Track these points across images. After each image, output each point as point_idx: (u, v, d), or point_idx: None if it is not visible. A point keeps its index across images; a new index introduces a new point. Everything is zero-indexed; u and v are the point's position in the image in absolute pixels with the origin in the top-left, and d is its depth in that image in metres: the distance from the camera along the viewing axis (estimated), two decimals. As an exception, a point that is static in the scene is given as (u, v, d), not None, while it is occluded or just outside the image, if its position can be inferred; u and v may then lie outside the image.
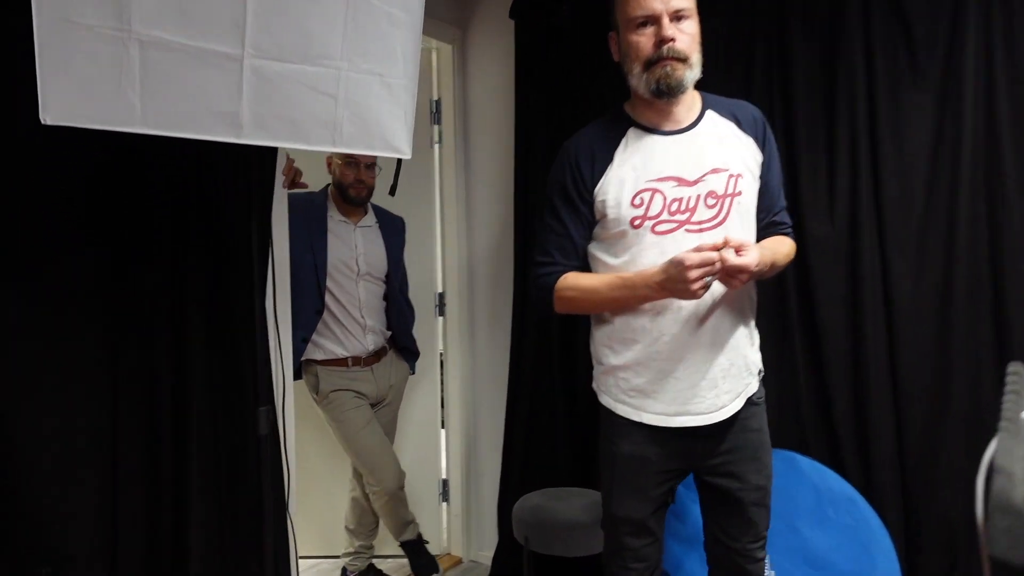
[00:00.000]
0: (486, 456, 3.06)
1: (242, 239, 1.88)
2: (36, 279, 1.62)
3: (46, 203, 1.62)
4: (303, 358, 2.59)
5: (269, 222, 1.85)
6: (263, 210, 1.75)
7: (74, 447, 1.69)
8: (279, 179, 2.02)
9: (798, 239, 1.94)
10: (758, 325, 1.70)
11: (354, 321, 2.63)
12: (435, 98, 3.04)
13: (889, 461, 2.11)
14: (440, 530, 3.19)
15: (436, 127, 3.06)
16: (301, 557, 2.21)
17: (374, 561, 2.90)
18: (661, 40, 1.48)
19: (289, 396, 2.03)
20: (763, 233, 1.67)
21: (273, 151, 1.94)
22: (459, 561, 3.14)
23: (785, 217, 1.75)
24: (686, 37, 1.50)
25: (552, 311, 1.64)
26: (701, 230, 1.53)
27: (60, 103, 1.27)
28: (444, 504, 3.19)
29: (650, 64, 1.50)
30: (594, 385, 1.70)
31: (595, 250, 1.62)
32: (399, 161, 1.62)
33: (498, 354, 2.96)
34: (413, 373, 2.90)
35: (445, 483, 3.17)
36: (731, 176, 1.56)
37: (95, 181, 1.69)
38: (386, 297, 2.75)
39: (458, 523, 3.15)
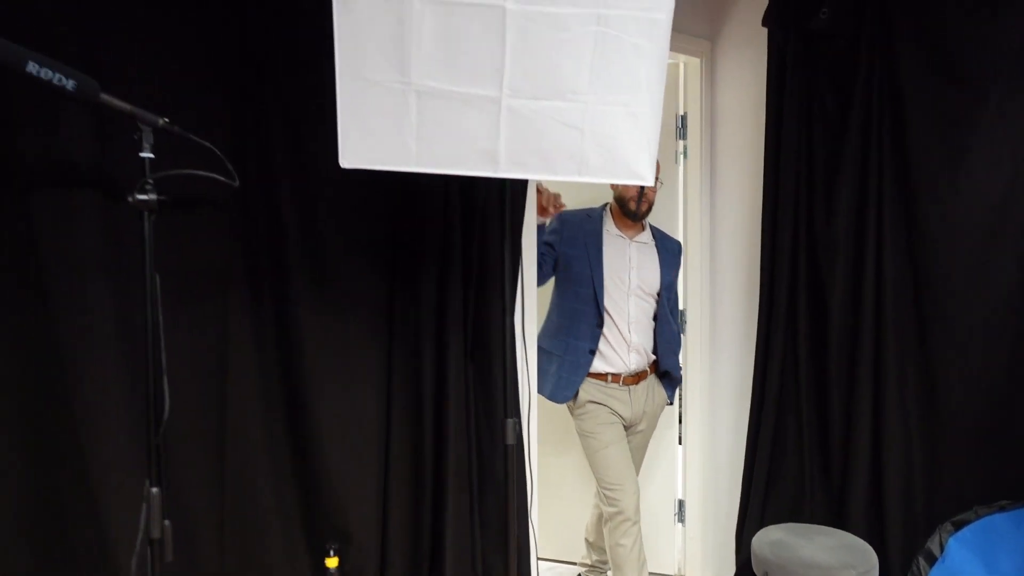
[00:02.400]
0: (726, 479, 2.96)
1: (496, 264, 2.04)
2: (333, 297, 1.90)
3: (342, 233, 1.90)
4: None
5: (520, 248, 1.98)
6: (515, 238, 1.87)
7: (358, 442, 1.95)
8: (530, 209, 2.15)
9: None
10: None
11: (620, 337, 2.60)
12: (681, 112, 3.01)
13: None
14: (674, 551, 3.14)
15: (682, 142, 3.03)
16: (541, 559, 2.32)
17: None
18: None
19: (534, 410, 2.15)
20: None
21: (524, 183, 2.08)
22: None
23: None
24: None
25: None
26: None
27: (354, 150, 1.48)
28: (679, 525, 3.13)
29: None
30: None
31: None
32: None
33: (740, 373, 2.86)
34: (671, 403, 2.79)
35: (681, 503, 3.12)
36: None
37: (379, 215, 1.94)
38: (655, 317, 2.68)
39: (695, 547, 3.08)
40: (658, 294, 2.65)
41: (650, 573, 3.07)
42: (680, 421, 3.12)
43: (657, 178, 2.46)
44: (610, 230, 2.62)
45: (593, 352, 2.54)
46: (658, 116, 1.50)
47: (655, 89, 1.47)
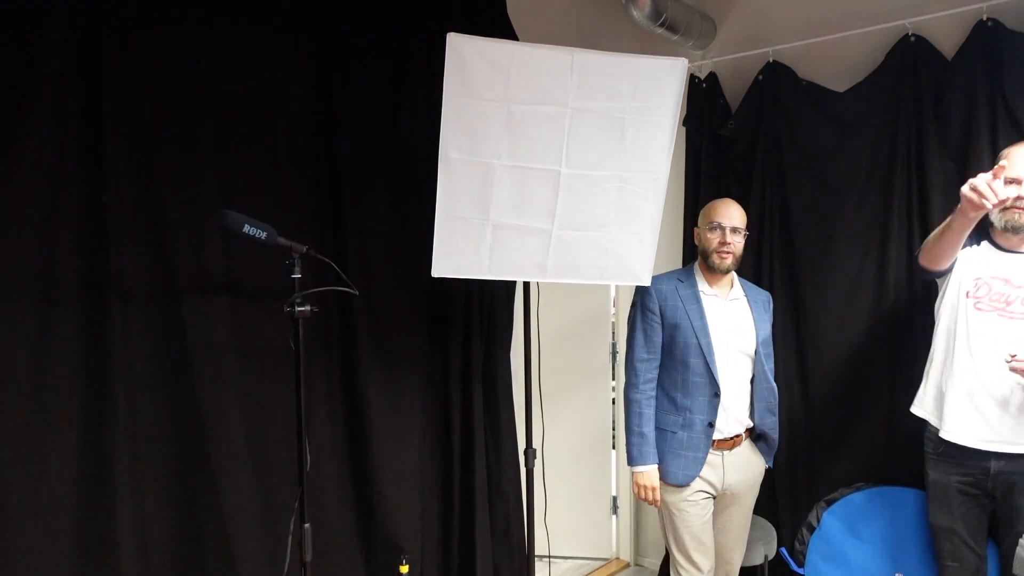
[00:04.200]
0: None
1: (503, 328, 2.65)
2: (391, 357, 2.42)
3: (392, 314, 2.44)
4: None
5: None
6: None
7: (403, 464, 2.47)
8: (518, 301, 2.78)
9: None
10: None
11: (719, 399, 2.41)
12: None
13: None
14: (610, 539, 3.86)
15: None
16: (552, 557, 2.90)
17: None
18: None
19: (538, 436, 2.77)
20: None
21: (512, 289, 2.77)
22: (627, 565, 3.80)
23: None
24: None
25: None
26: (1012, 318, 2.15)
27: (443, 265, 2.02)
28: (614, 516, 3.85)
29: (1005, 209, 2.15)
30: None
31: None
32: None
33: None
34: (771, 467, 2.59)
35: (615, 498, 3.84)
36: None
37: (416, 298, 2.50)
38: (751, 379, 2.48)
39: (626, 534, 3.81)
40: (755, 353, 2.46)
41: (589, 558, 3.78)
42: (614, 427, 3.82)
43: (741, 229, 2.41)
44: (705, 291, 2.42)
45: (712, 425, 2.36)
46: (655, 239, 2.16)
47: (655, 222, 2.13)
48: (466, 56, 1.86)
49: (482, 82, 1.89)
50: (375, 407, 2.38)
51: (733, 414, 2.41)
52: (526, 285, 2.40)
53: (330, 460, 2.32)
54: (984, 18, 2.60)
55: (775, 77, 3.07)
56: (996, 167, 1.90)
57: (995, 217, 2.21)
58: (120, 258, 1.81)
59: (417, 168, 2.44)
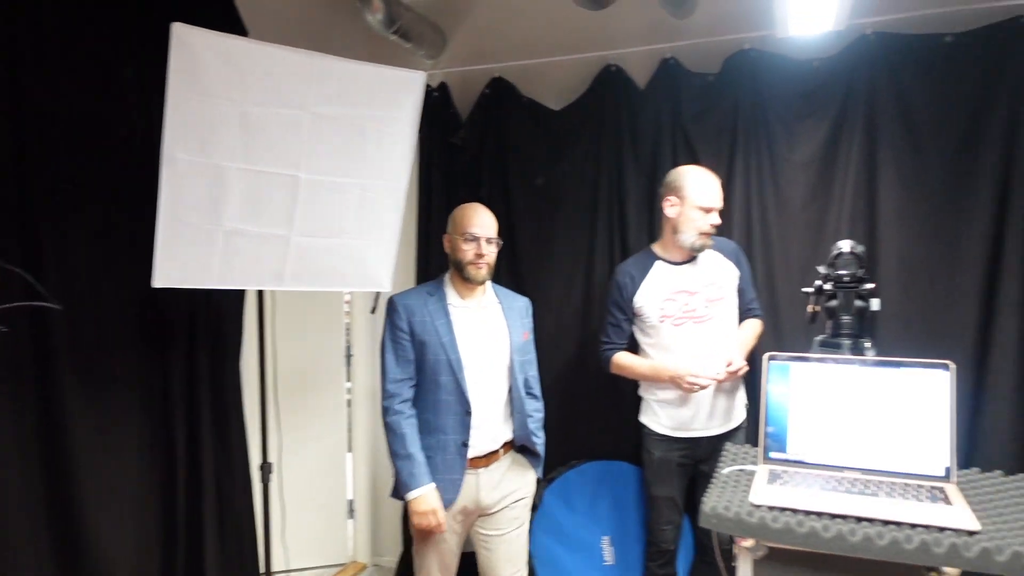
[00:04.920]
0: (388, 477, 3.75)
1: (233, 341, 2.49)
2: (101, 375, 2.13)
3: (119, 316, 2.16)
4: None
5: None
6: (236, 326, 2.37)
7: (116, 489, 2.21)
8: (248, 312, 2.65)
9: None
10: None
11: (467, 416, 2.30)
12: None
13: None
14: (347, 542, 3.83)
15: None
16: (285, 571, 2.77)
17: None
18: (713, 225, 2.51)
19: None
20: (744, 314, 2.68)
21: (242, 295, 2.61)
22: (364, 567, 3.80)
23: (755, 304, 2.73)
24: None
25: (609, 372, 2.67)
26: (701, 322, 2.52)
27: (166, 275, 1.85)
28: (350, 520, 3.83)
29: (701, 234, 2.51)
30: None
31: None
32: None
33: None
34: (541, 478, 2.52)
35: (351, 502, 3.81)
36: (718, 286, 2.54)
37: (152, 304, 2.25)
38: (509, 390, 2.40)
39: (363, 536, 3.80)
40: (509, 362, 2.37)
41: (327, 565, 3.71)
42: (349, 429, 3.79)
43: (495, 240, 2.34)
44: (455, 303, 2.32)
45: (466, 444, 2.26)
46: (395, 246, 2.20)
47: (396, 230, 2.17)
48: (196, 49, 1.71)
49: (214, 79, 1.75)
50: (80, 429, 2.09)
51: (487, 430, 2.30)
52: (260, 292, 2.29)
53: (19, 493, 1.99)
54: (667, 56, 3.06)
55: (500, 92, 3.29)
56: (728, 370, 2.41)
57: (688, 239, 2.53)
58: None
59: (137, 168, 2.18)
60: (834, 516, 1.57)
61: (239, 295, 2.62)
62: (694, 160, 3.06)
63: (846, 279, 1.87)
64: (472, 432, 2.26)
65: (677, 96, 3.06)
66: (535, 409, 2.46)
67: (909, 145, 2.72)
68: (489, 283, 2.43)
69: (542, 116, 3.28)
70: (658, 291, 2.60)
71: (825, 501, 1.62)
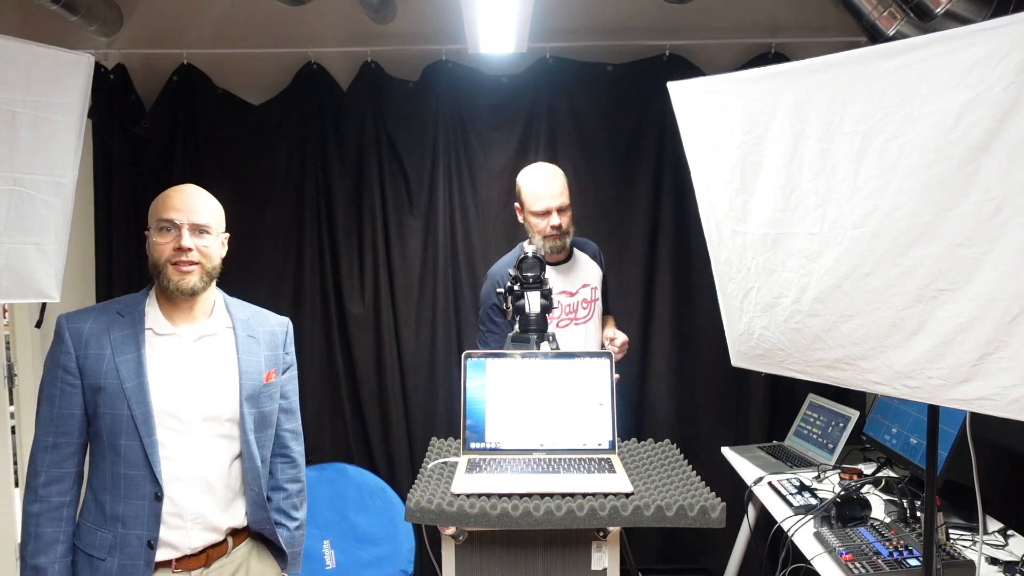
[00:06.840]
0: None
1: None
2: None
3: None
4: None
5: None
6: None
7: None
8: None
9: (340, 318, 2.95)
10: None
11: (170, 501, 1.58)
12: None
13: (405, 462, 3.22)
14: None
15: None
16: None
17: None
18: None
19: None
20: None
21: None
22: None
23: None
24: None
25: None
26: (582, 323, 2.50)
27: None
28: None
29: (546, 238, 2.42)
30: None
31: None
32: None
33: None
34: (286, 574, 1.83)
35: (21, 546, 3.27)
36: (592, 287, 2.53)
37: None
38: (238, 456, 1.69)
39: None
40: (239, 416, 1.66)
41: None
42: (15, 461, 3.24)
43: (215, 230, 1.68)
44: (158, 328, 1.64)
45: (153, 546, 1.55)
46: (63, 251, 1.93)
47: (62, 230, 1.90)
48: None
49: None
50: None
51: (194, 519, 1.60)
52: None
53: None
54: (368, 60, 3.09)
55: (190, 80, 3.05)
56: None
57: (538, 244, 2.41)
58: None
59: None
60: (523, 496, 1.74)
61: None
62: (399, 164, 3.14)
63: (531, 280, 2.08)
64: (164, 525, 1.56)
65: (380, 100, 3.11)
66: (290, 479, 1.82)
67: (583, 153, 3.14)
68: (223, 298, 1.76)
69: (241, 110, 3.11)
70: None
71: (515, 483, 1.79)
